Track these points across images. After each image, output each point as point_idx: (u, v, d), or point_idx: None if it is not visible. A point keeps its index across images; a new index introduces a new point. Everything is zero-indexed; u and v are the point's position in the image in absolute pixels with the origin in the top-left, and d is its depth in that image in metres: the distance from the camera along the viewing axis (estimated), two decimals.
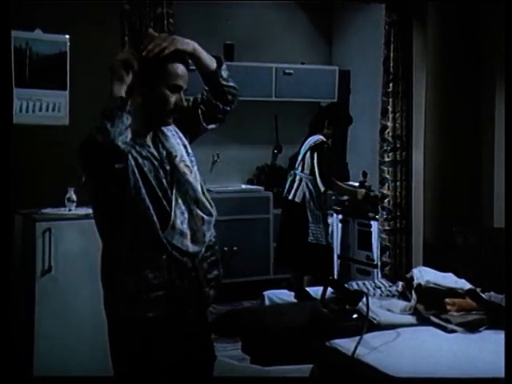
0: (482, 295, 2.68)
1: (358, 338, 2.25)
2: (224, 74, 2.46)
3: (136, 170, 2.28)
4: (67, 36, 4.37)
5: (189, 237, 2.35)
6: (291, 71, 6.32)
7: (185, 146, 2.44)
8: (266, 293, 4.30)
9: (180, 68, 2.29)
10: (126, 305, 2.31)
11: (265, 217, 6.11)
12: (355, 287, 2.89)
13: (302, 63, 6.47)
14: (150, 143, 2.36)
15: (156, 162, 2.34)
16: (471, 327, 2.48)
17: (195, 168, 2.43)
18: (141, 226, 2.30)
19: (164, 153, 2.38)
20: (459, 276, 2.82)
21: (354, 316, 2.42)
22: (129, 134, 2.17)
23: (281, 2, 6.38)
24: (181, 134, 2.46)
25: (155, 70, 2.25)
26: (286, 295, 4.20)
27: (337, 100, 6.45)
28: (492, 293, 2.74)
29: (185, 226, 2.34)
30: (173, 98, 2.29)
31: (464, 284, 2.74)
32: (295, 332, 2.45)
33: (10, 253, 4.08)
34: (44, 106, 4.33)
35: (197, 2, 5.93)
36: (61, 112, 4.37)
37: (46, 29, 4.30)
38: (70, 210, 4.11)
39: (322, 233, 5.03)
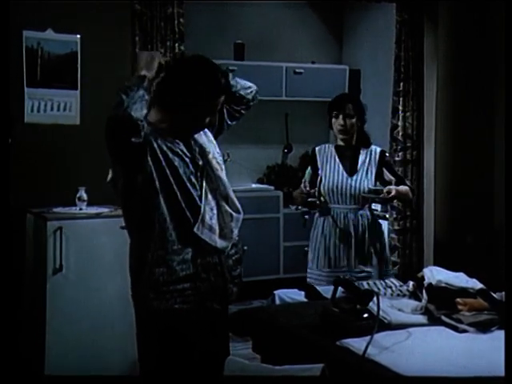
0: (494, 295, 2.67)
1: (368, 337, 2.25)
2: (233, 83, 2.59)
3: (165, 164, 2.35)
4: (78, 36, 4.38)
5: (217, 232, 2.41)
6: (301, 70, 6.31)
7: (214, 145, 2.54)
8: (276, 292, 4.30)
9: (222, 99, 2.40)
10: (153, 296, 2.35)
11: (275, 216, 6.11)
12: (366, 287, 2.88)
13: (313, 62, 6.47)
14: (187, 154, 2.42)
15: (187, 159, 2.40)
16: (482, 327, 2.47)
17: (223, 166, 2.52)
18: (170, 219, 2.34)
19: (197, 149, 2.45)
20: (470, 276, 2.80)
21: (365, 315, 2.41)
22: (144, 108, 2.26)
23: (291, 2, 6.38)
24: (209, 133, 2.54)
25: (206, 102, 2.36)
26: (296, 294, 4.19)
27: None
28: (503, 293, 2.73)
29: (214, 222, 2.40)
30: (207, 120, 2.40)
31: (475, 284, 2.73)
32: (306, 331, 2.45)
33: (21, 252, 4.11)
34: (55, 106, 4.35)
35: (207, 1, 5.93)
36: (72, 111, 4.39)
37: (57, 29, 4.32)
38: (80, 209, 4.13)
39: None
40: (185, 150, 2.41)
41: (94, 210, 4.10)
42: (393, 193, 3.45)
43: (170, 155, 2.36)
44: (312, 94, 6.37)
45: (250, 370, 2.14)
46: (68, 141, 4.39)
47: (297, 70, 6.29)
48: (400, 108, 5.15)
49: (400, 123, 5.15)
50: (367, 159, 3.67)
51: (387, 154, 3.81)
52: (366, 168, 3.65)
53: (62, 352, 3.88)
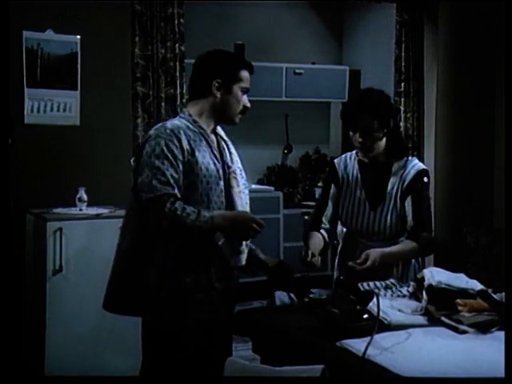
0: (494, 296, 2.67)
1: (368, 338, 2.25)
2: None
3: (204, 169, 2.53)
4: (78, 36, 4.39)
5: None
6: (301, 71, 6.32)
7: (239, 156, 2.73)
8: (276, 293, 4.29)
9: (248, 74, 2.62)
10: (181, 307, 2.49)
11: (275, 217, 6.11)
12: (366, 287, 2.87)
13: (313, 63, 6.47)
14: (216, 151, 2.59)
15: (218, 164, 2.57)
16: (483, 328, 2.47)
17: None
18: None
19: (228, 156, 2.65)
20: (470, 277, 2.80)
21: (365, 316, 2.41)
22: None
23: (291, 2, 6.38)
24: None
25: (233, 75, 2.56)
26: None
27: (347, 100, 6.44)
28: (504, 293, 2.73)
29: None
30: (243, 100, 2.58)
31: (475, 285, 2.73)
32: (305, 332, 2.45)
33: (21, 252, 4.11)
34: (55, 106, 4.35)
35: (207, 1, 5.94)
36: (72, 112, 4.39)
37: (57, 29, 4.33)
38: (80, 209, 4.13)
39: None
40: (218, 157, 2.58)
41: (93, 210, 4.11)
42: (367, 263, 2.72)
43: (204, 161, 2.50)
44: (312, 95, 6.38)
45: (250, 371, 2.14)
46: (68, 141, 4.39)
47: (297, 71, 6.29)
48: (401, 108, 5.16)
49: (402, 124, 5.16)
50: (396, 184, 2.87)
51: (425, 179, 2.87)
52: (393, 197, 2.87)
53: (62, 352, 3.88)
